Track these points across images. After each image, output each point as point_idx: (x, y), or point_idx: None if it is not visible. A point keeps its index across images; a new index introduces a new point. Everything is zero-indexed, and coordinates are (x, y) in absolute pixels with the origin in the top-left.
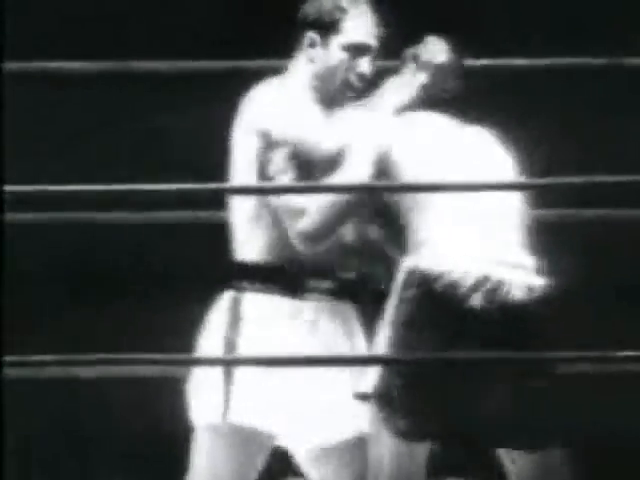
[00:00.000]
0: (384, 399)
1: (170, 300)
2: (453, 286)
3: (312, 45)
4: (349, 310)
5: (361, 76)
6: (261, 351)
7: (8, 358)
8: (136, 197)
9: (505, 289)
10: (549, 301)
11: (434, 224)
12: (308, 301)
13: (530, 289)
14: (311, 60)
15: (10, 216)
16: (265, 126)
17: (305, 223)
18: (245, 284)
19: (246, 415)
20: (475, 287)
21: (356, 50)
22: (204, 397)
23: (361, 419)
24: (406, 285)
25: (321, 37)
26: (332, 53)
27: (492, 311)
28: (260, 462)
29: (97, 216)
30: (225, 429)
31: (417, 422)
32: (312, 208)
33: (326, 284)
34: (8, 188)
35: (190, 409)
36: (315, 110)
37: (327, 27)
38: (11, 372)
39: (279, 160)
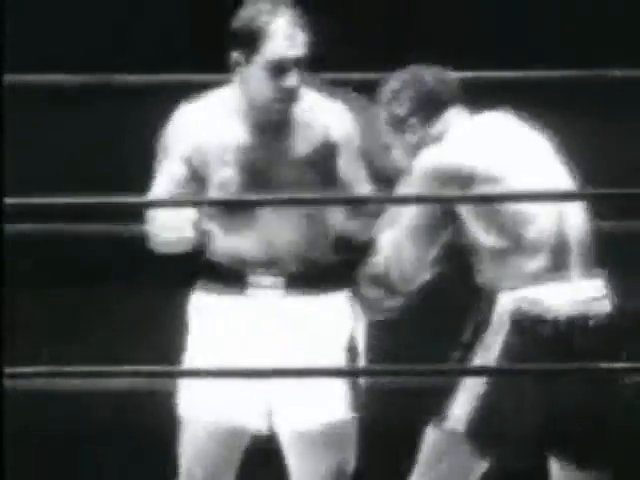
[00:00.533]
0: (480, 435)
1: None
2: (554, 328)
3: (237, 65)
4: (311, 306)
5: (288, 91)
6: (208, 348)
7: (7, 370)
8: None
9: (590, 323)
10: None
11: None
12: (255, 297)
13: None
14: (238, 80)
15: None
16: (193, 145)
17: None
18: (201, 282)
19: (225, 410)
20: (570, 326)
21: (278, 66)
22: (189, 391)
23: (337, 405)
24: (514, 331)
25: (245, 56)
26: (254, 72)
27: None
28: (239, 454)
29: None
30: (207, 424)
31: (519, 447)
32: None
33: (271, 280)
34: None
35: (178, 402)
36: (237, 126)
37: (248, 46)
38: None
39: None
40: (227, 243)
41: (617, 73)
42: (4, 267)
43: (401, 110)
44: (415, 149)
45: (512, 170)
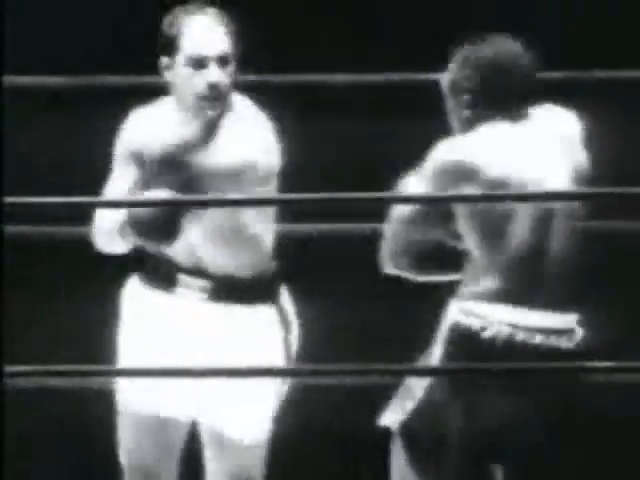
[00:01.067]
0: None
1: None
2: (489, 348)
3: (167, 69)
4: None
5: (212, 86)
6: (137, 340)
7: (8, 368)
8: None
9: (530, 350)
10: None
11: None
12: (182, 297)
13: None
14: (170, 83)
15: None
16: (136, 148)
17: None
18: (136, 272)
19: (161, 403)
20: (507, 350)
21: (198, 62)
22: (127, 384)
23: (255, 421)
24: (450, 341)
25: (170, 59)
26: (178, 71)
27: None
28: (179, 446)
29: None
30: (143, 417)
31: (458, 457)
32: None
33: (200, 282)
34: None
35: (119, 394)
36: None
37: (171, 48)
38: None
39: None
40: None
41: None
42: (4, 267)
43: (467, 83)
44: (465, 125)
45: (521, 180)
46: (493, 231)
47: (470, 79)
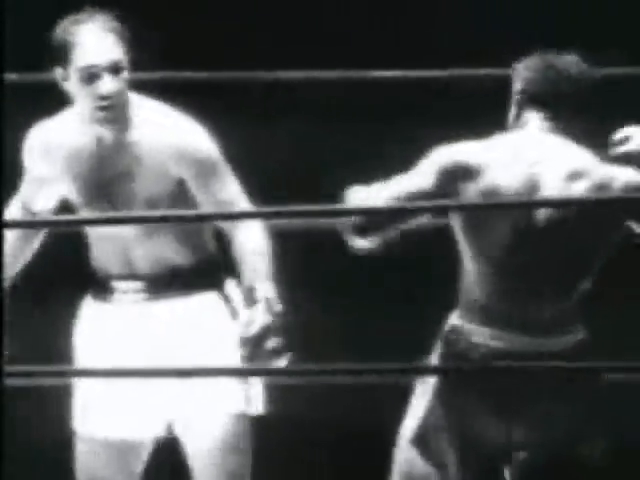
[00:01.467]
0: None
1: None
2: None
3: (63, 79)
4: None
5: (104, 97)
6: (89, 358)
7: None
8: None
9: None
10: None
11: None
12: (119, 303)
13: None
14: (67, 92)
15: None
16: (45, 152)
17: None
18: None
19: (116, 427)
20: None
21: (89, 74)
22: (81, 407)
23: (230, 409)
24: (440, 352)
25: (63, 70)
26: (72, 84)
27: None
28: (138, 468)
29: None
30: (99, 441)
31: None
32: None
33: (135, 285)
34: None
35: (72, 418)
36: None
37: (64, 60)
38: None
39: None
40: (94, 253)
41: None
42: (3, 268)
43: (523, 84)
44: (513, 122)
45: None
46: (483, 244)
47: (526, 81)
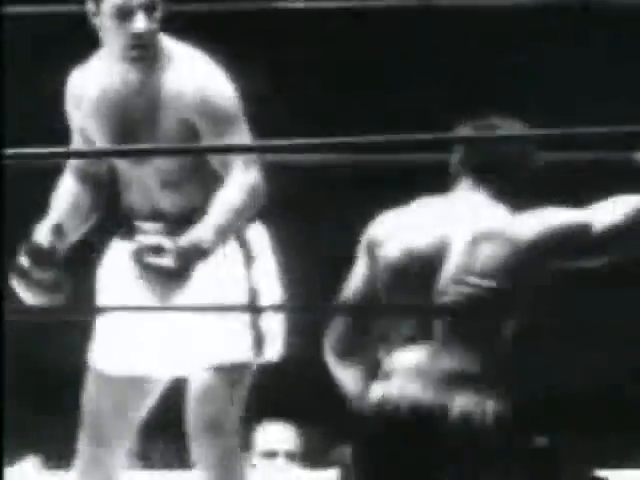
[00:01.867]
0: None
1: None
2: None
3: (94, 15)
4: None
5: (137, 36)
6: (114, 298)
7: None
8: None
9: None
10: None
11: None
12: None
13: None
14: (98, 29)
15: None
16: (79, 97)
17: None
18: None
19: (128, 362)
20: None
21: (122, 11)
22: (98, 343)
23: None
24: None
25: (96, 5)
26: (104, 21)
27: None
28: (147, 404)
29: None
30: (109, 376)
31: None
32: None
33: (157, 226)
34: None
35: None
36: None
37: None
38: None
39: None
40: (123, 196)
41: None
42: (4, 269)
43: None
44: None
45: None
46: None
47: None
